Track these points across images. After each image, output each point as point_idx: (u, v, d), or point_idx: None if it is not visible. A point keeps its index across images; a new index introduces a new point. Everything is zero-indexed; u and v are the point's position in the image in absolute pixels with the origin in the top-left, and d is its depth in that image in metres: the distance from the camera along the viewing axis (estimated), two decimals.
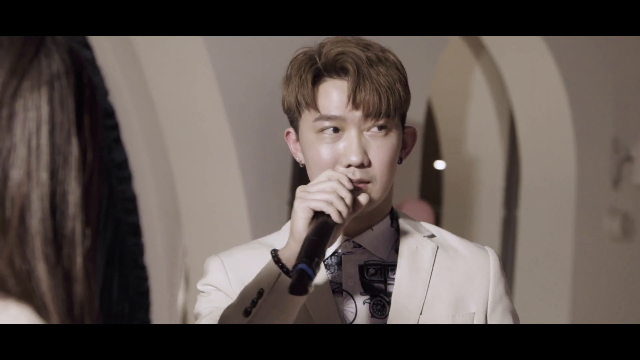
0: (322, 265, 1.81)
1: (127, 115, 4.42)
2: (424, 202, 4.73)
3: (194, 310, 1.87)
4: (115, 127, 4.40)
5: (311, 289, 1.66)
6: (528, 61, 5.17)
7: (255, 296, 1.72)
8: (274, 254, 1.73)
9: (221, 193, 3.95)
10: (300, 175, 3.81)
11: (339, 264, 1.85)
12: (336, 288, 1.83)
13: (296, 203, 1.73)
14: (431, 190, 5.92)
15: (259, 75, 3.87)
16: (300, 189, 1.74)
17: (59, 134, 1.09)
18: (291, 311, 1.72)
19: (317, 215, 1.71)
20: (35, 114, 1.08)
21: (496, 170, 5.71)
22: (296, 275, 1.61)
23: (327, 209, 1.69)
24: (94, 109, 1.15)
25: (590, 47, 5.17)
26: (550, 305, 5.25)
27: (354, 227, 1.84)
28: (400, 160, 1.86)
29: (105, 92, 4.34)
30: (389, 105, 1.77)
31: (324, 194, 1.70)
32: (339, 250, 1.86)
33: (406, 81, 1.83)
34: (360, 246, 1.85)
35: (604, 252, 5.33)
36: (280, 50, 3.87)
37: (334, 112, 1.78)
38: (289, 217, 4.17)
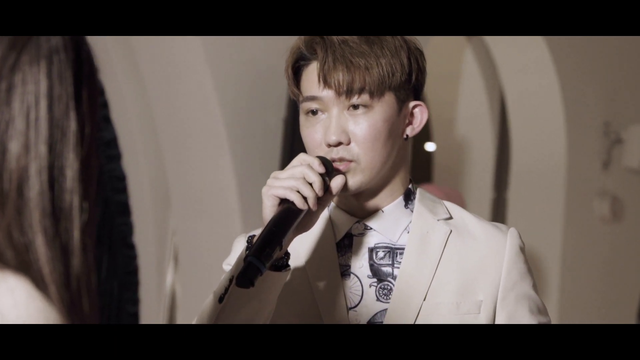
0: (334, 247, 1.83)
1: (118, 93, 4.41)
2: (454, 189, 4.69)
3: None
4: (104, 105, 4.39)
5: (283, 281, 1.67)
6: (519, 44, 5.17)
7: (227, 283, 1.72)
8: (249, 240, 1.72)
9: (211, 173, 3.95)
10: (290, 157, 3.81)
11: (351, 246, 1.83)
12: (345, 271, 1.82)
13: (264, 190, 1.72)
14: (421, 171, 5.92)
15: (249, 56, 3.86)
16: (272, 175, 1.73)
17: (57, 107, 1.09)
18: (263, 299, 1.71)
19: (284, 201, 1.70)
20: (34, 88, 1.08)
21: (486, 152, 5.71)
22: (242, 268, 1.61)
23: (291, 196, 1.68)
24: (92, 84, 1.15)
25: None
26: (539, 286, 5.25)
27: (364, 209, 1.84)
28: (406, 137, 1.87)
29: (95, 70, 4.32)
30: (365, 82, 1.77)
31: (291, 180, 1.70)
32: (352, 232, 1.84)
33: (409, 56, 1.82)
34: (371, 228, 1.83)
35: (593, 234, 5.34)
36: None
37: (310, 92, 1.80)
38: None
